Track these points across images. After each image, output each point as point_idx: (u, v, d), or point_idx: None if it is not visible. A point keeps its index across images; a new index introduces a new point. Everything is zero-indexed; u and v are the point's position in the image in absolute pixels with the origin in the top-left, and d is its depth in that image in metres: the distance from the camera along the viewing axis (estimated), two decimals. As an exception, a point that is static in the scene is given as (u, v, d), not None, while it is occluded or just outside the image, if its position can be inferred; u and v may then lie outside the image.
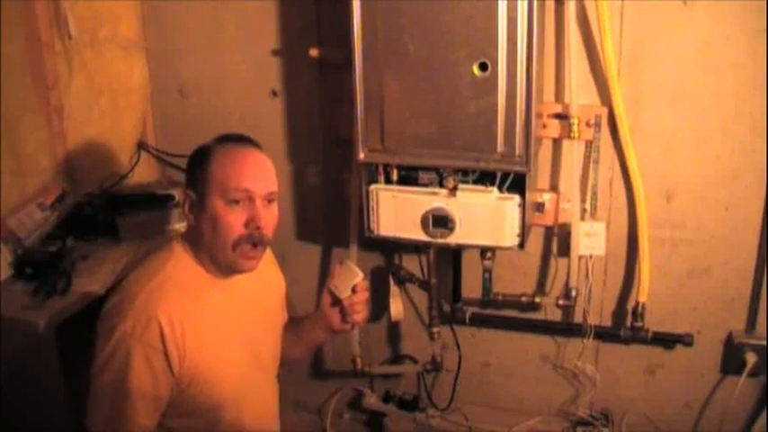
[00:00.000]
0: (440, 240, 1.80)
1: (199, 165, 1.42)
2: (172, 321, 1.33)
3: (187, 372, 1.35)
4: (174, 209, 2.10)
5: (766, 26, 1.74)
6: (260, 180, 1.41)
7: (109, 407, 1.32)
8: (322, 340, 1.72)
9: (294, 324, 1.72)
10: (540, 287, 2.12)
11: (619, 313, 2.08)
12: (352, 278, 1.60)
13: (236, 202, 1.38)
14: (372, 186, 1.82)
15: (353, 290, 1.59)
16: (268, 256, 1.68)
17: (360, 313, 1.61)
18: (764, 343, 1.94)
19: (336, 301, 1.61)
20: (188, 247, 1.45)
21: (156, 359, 1.32)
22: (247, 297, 1.53)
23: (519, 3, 1.57)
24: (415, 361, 2.32)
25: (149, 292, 1.36)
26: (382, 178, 1.83)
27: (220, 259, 1.42)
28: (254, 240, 1.40)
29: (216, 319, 1.43)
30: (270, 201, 1.43)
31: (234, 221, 1.38)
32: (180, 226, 2.05)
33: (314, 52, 2.03)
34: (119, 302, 1.36)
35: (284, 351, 1.67)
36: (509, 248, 1.79)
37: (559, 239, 2.05)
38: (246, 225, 1.39)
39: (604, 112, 1.89)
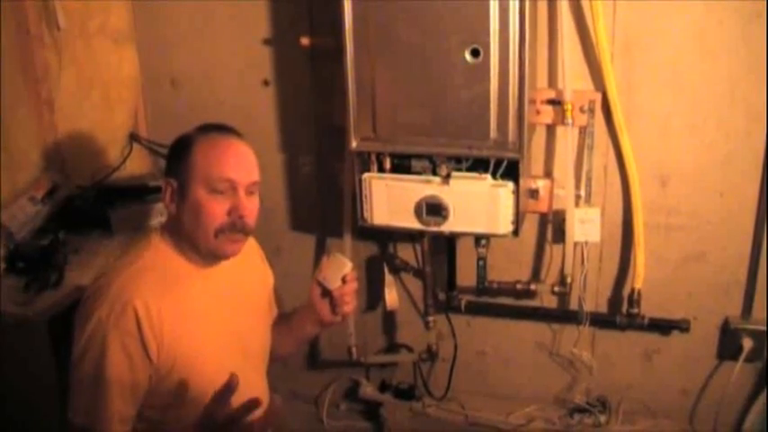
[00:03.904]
0: (434, 228, 1.79)
1: (181, 154, 1.42)
2: (148, 307, 1.32)
3: (166, 359, 1.35)
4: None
5: (767, 11, 1.73)
6: (243, 170, 1.41)
7: (87, 396, 1.32)
8: (311, 334, 1.72)
9: (283, 319, 1.71)
10: (536, 274, 2.11)
11: (615, 300, 2.07)
12: (341, 268, 1.58)
13: (220, 191, 1.38)
14: (365, 175, 1.81)
15: (343, 280, 1.58)
16: (257, 249, 1.68)
17: (349, 304, 1.60)
18: (760, 328, 1.94)
19: (325, 293, 1.60)
20: (167, 238, 1.45)
21: (133, 345, 1.31)
22: (232, 287, 1.52)
23: (510, -12, 1.55)
24: (410, 350, 2.32)
25: (125, 279, 1.36)
26: (375, 167, 1.82)
27: (202, 247, 1.41)
28: (237, 228, 1.40)
29: (198, 308, 1.43)
30: (252, 191, 1.43)
31: (217, 210, 1.38)
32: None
33: (305, 41, 2.01)
34: (95, 290, 1.36)
35: (274, 347, 1.66)
36: (503, 236, 1.78)
37: (554, 226, 2.04)
38: (229, 213, 1.39)
39: (598, 97, 1.88)
